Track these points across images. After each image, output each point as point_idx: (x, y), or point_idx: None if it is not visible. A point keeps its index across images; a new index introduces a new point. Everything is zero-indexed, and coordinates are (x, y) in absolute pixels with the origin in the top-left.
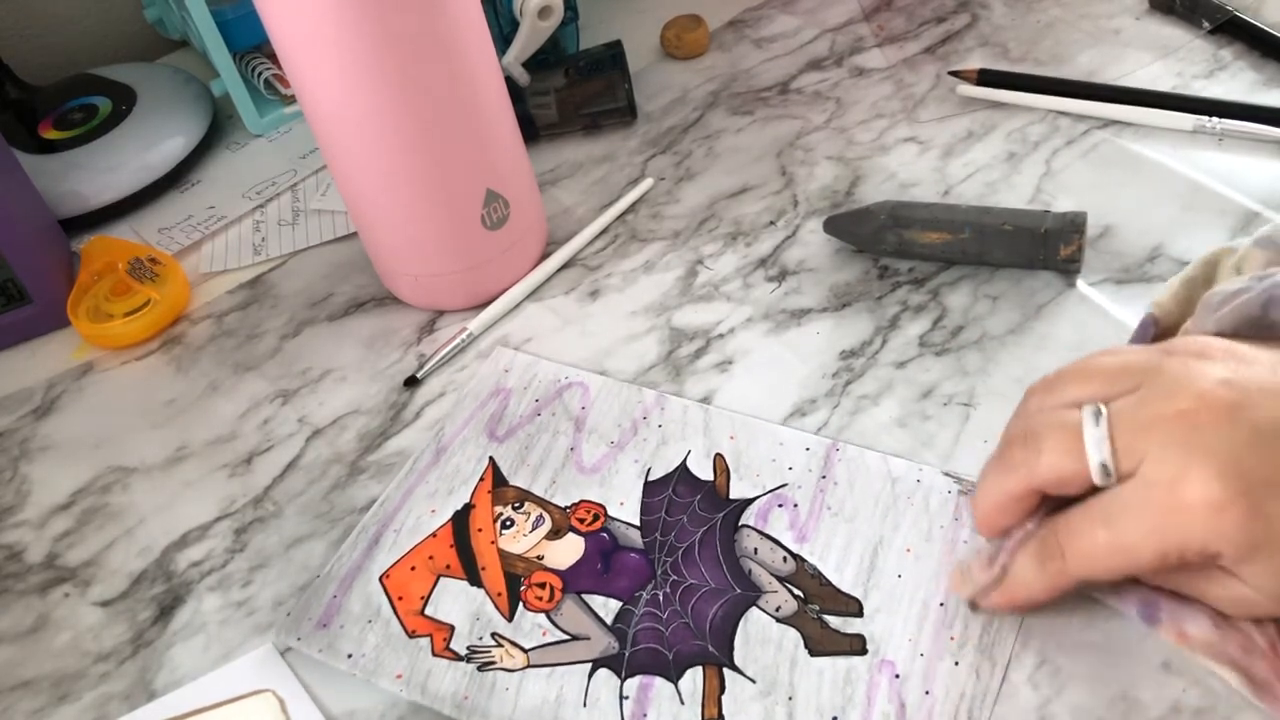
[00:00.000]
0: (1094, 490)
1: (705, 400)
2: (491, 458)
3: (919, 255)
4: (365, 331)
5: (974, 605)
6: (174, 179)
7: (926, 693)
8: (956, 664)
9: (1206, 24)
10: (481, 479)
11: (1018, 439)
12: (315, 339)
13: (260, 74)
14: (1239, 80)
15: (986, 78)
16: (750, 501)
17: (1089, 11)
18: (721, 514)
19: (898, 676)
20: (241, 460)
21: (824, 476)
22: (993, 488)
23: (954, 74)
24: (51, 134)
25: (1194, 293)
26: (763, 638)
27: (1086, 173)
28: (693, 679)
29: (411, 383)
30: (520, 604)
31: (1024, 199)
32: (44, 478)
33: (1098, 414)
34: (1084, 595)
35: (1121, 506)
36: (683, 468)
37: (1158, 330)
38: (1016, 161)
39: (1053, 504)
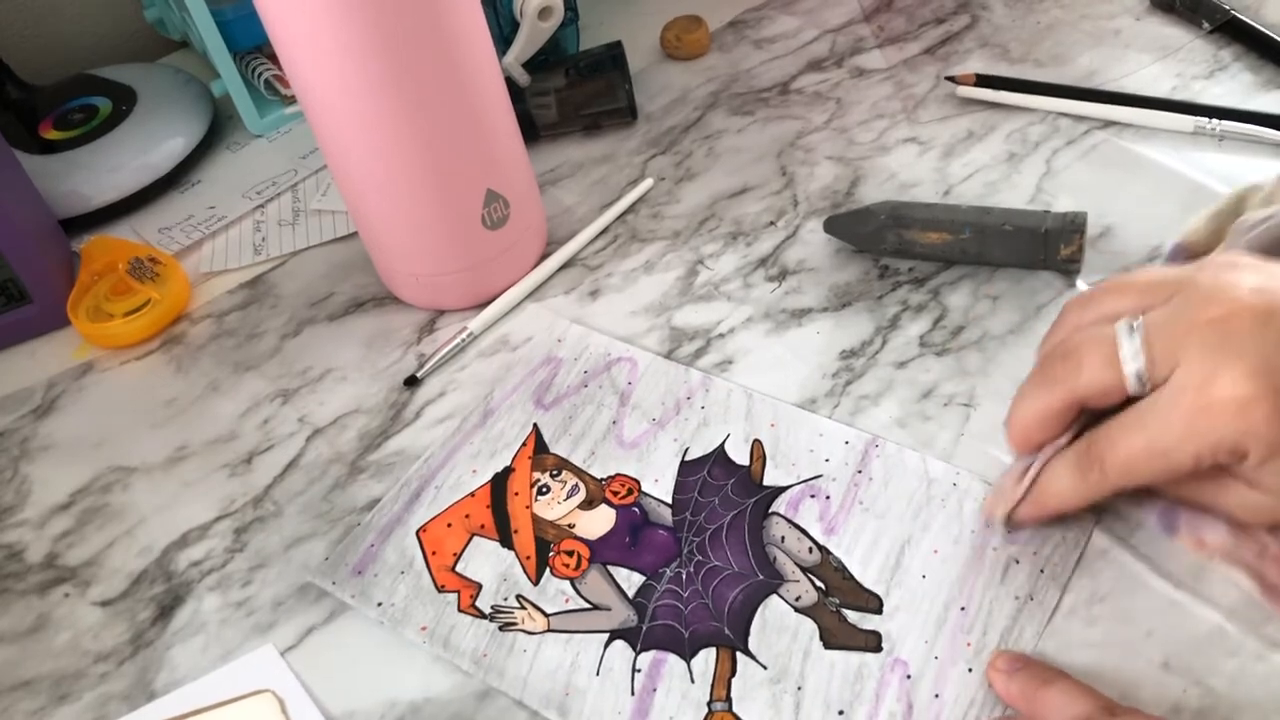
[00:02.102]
0: (1131, 401)
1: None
2: (535, 424)
3: (919, 255)
4: (365, 331)
5: (1008, 521)
6: (174, 179)
7: (936, 696)
8: (970, 670)
9: (1206, 24)
10: (524, 444)
11: (1058, 354)
12: (315, 339)
13: (260, 74)
14: (1239, 81)
15: (984, 83)
16: (783, 490)
17: (1089, 12)
18: (753, 500)
19: (909, 677)
20: (241, 460)
21: (860, 471)
22: (1034, 402)
23: (950, 79)
24: (52, 134)
25: (1223, 224)
26: (779, 625)
27: (1087, 173)
28: (705, 659)
29: (412, 382)
30: (547, 569)
31: (1024, 199)
32: (44, 477)
33: (1132, 327)
34: (1084, 594)
35: (1156, 411)
36: (720, 450)
37: (1187, 258)
38: (1017, 162)
39: (1087, 419)
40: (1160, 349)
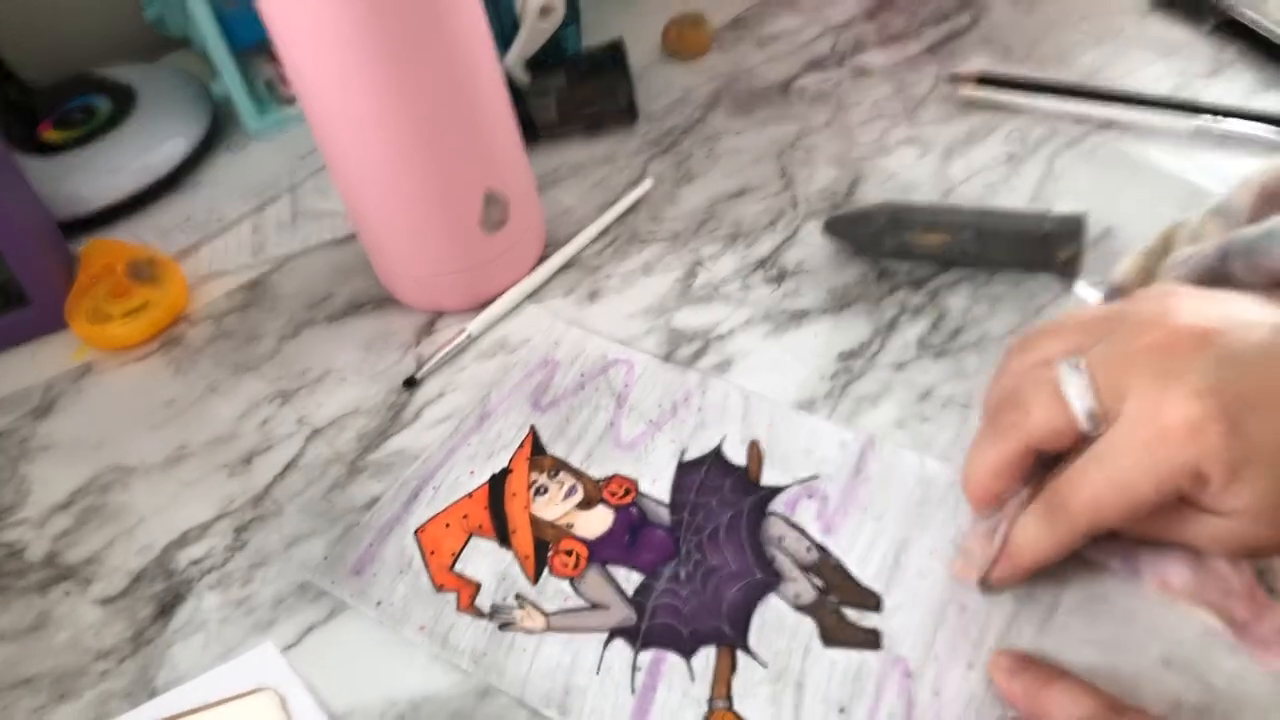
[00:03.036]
0: (1086, 441)
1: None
2: (533, 426)
3: (918, 257)
4: (364, 332)
5: (984, 584)
6: (174, 180)
7: (936, 694)
8: (970, 668)
9: (1209, 22)
10: (521, 446)
11: (1005, 404)
12: (314, 340)
13: (260, 74)
14: (1240, 80)
15: (987, 82)
16: (781, 490)
17: (1091, 11)
18: (750, 499)
19: (909, 675)
20: (241, 460)
21: (858, 471)
22: (987, 455)
23: (954, 77)
24: (51, 135)
25: (1152, 263)
26: (779, 624)
27: (1087, 174)
28: (705, 657)
29: (411, 384)
30: (546, 569)
31: (1024, 201)
32: (44, 477)
33: (1076, 365)
34: (1083, 593)
35: (1113, 447)
36: (718, 451)
37: (1121, 298)
38: (1017, 163)
39: (1042, 470)
40: (1106, 382)
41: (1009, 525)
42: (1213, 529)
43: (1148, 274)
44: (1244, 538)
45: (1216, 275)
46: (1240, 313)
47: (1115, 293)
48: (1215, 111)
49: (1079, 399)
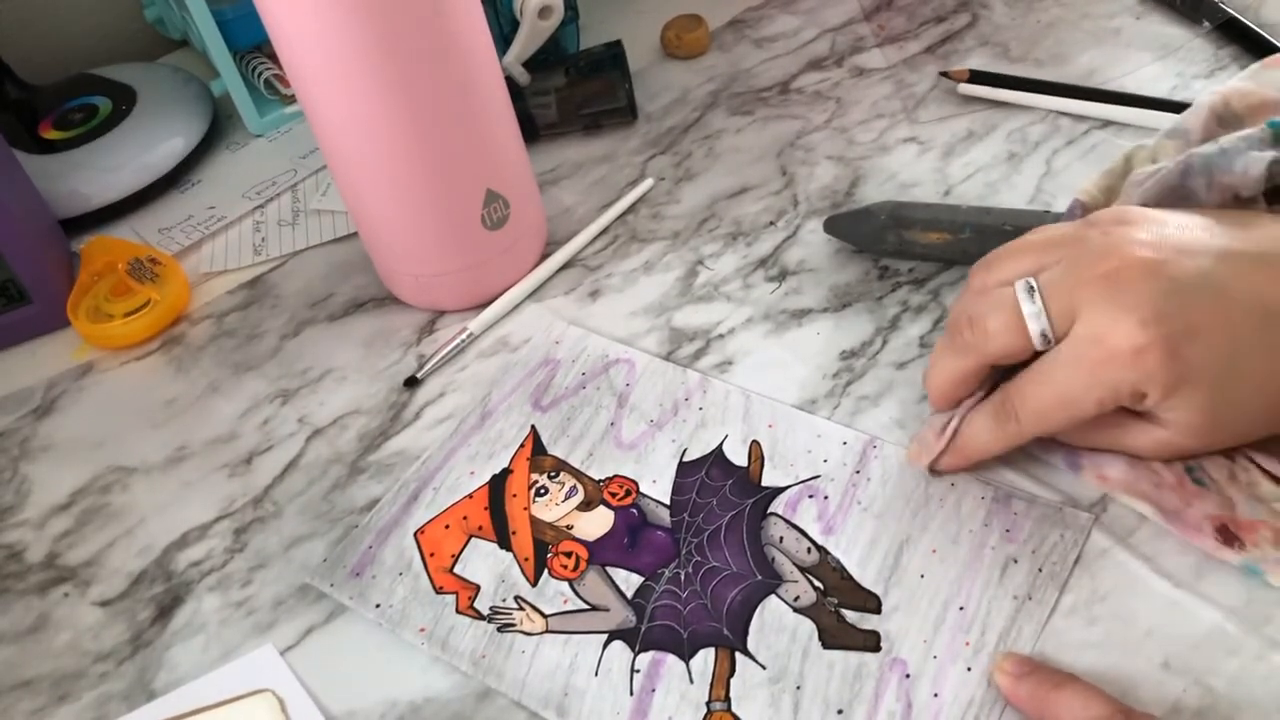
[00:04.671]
0: (1038, 355)
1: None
2: (533, 426)
3: (919, 255)
4: (365, 331)
5: (933, 469)
6: (174, 179)
7: (935, 695)
8: (969, 669)
9: (1207, 23)
10: (522, 446)
11: (965, 322)
12: (315, 339)
13: (260, 74)
14: None
15: (978, 79)
16: (781, 490)
17: (1089, 11)
18: (751, 500)
19: (908, 676)
20: (241, 460)
21: (858, 471)
22: (947, 367)
23: (944, 75)
24: (51, 134)
25: (1114, 181)
26: (778, 626)
27: (1087, 173)
28: (704, 659)
29: (412, 383)
30: (545, 570)
31: (1024, 199)
32: (44, 478)
33: (1031, 289)
34: (1083, 593)
35: (1061, 364)
36: (718, 452)
37: (1083, 213)
38: (1017, 162)
39: (998, 373)
40: (1058, 306)
41: (959, 421)
42: (1146, 438)
43: (1111, 192)
44: (1176, 445)
45: (1178, 192)
46: (1188, 241)
47: (1078, 206)
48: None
49: (1034, 320)
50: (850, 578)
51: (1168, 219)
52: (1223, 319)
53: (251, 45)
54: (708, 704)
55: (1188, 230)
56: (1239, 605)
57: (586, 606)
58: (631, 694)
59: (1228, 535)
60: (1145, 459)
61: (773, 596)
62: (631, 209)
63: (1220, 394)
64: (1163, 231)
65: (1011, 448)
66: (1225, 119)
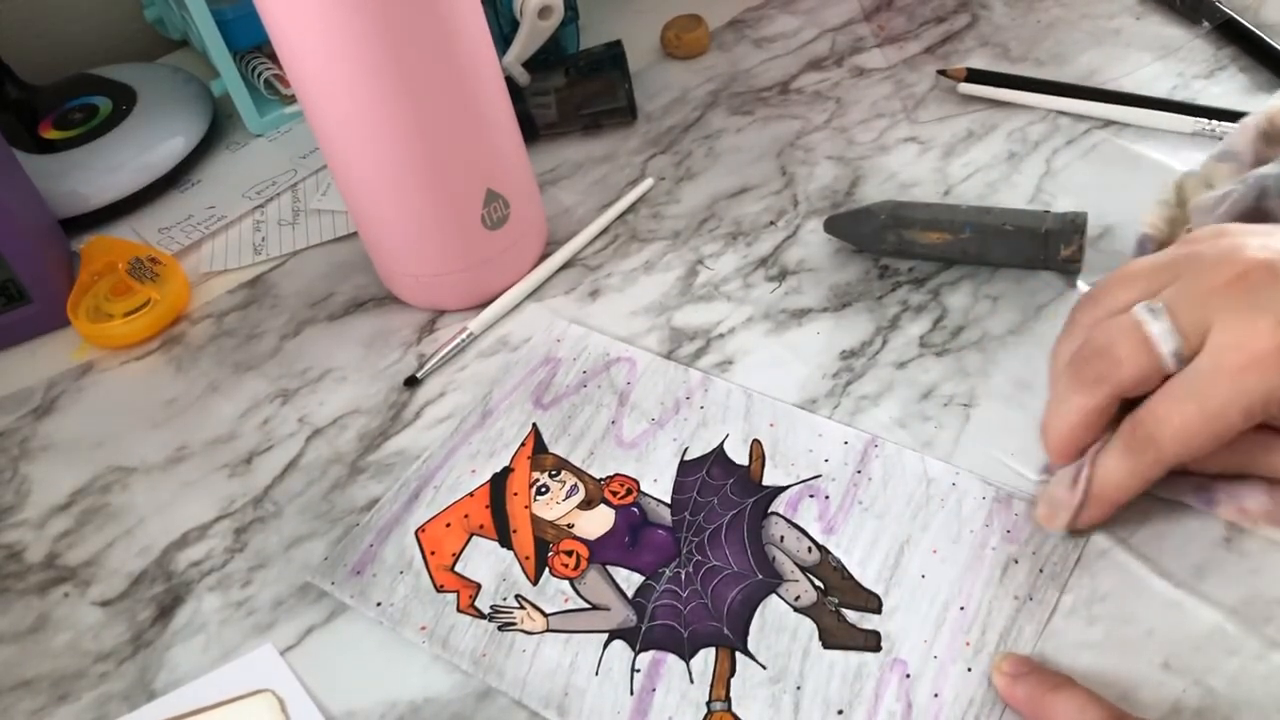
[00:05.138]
0: (1165, 380)
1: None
2: (535, 424)
3: (919, 255)
4: (365, 331)
5: (1073, 529)
6: (174, 179)
7: (935, 695)
8: (969, 670)
9: (1206, 24)
10: (523, 444)
11: (1087, 355)
12: (315, 339)
13: (260, 74)
14: (1239, 80)
15: (975, 78)
16: (782, 489)
17: (1089, 11)
18: (752, 499)
19: (908, 676)
20: (241, 460)
21: (859, 471)
22: (1075, 407)
23: (942, 74)
24: (51, 134)
25: (1174, 212)
26: (778, 625)
27: (1087, 173)
28: (705, 659)
29: (412, 382)
30: (546, 569)
31: (1024, 199)
32: (44, 478)
33: (1153, 310)
34: (1083, 594)
35: (1200, 376)
36: (719, 450)
37: (1155, 248)
38: (1017, 161)
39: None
40: (1187, 321)
41: (1091, 468)
42: None
43: (1175, 223)
44: None
45: (1255, 214)
46: None
47: (1148, 241)
48: (1213, 113)
49: (1164, 341)
50: (851, 577)
51: (1269, 229)
52: None
53: (251, 45)
54: (708, 704)
55: None
56: (1239, 605)
57: (587, 605)
58: (632, 693)
59: None
60: None
61: (773, 596)
62: (631, 209)
63: None
64: (1272, 238)
65: (1151, 482)
66: (1273, 138)
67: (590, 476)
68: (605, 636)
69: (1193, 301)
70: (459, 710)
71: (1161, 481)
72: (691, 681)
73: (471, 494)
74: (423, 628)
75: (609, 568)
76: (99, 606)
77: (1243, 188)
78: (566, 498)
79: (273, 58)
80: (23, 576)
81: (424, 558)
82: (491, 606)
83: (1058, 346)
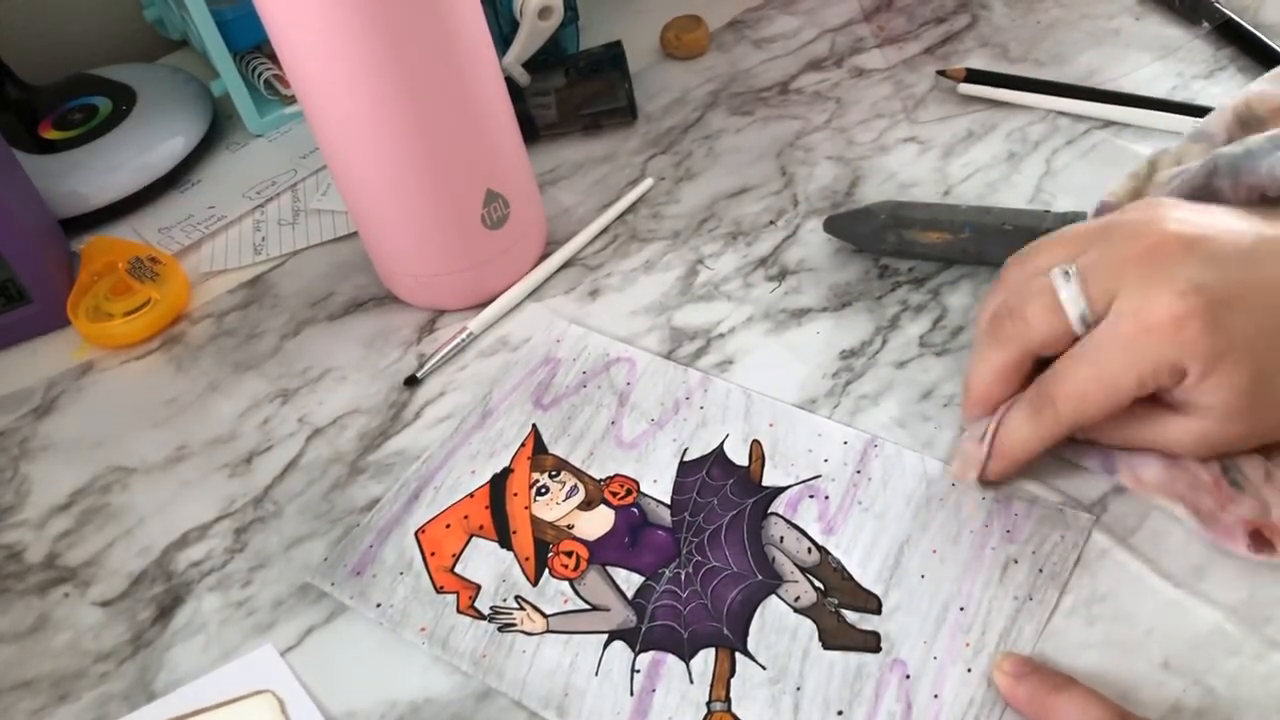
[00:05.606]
0: (1076, 343)
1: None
2: (534, 425)
3: (919, 255)
4: (365, 331)
5: (981, 480)
6: (174, 179)
7: (935, 696)
8: (969, 670)
9: (1206, 24)
10: (523, 445)
11: (1003, 314)
12: (315, 338)
13: (260, 74)
14: (1239, 81)
15: (974, 78)
16: (782, 490)
17: (1089, 12)
18: (752, 500)
19: (908, 677)
20: (241, 460)
21: (859, 471)
22: (989, 362)
23: (941, 74)
24: (51, 134)
25: (1140, 184)
26: (778, 626)
27: (1086, 172)
28: (705, 659)
29: (412, 382)
30: (546, 570)
31: (1024, 199)
32: (44, 477)
33: (1067, 273)
34: (1083, 594)
35: (1098, 342)
36: (719, 451)
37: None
38: (1016, 161)
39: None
40: (1096, 287)
41: (997, 424)
42: (1184, 429)
43: (1136, 194)
44: (1214, 436)
45: (1204, 192)
46: (1225, 222)
47: (1106, 208)
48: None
49: (1072, 305)
50: (851, 578)
51: (1200, 207)
52: (1262, 292)
53: (251, 45)
54: (708, 704)
55: (1223, 214)
56: (1239, 605)
57: (587, 606)
58: (632, 694)
59: (1260, 541)
60: (1182, 456)
61: (773, 597)
62: (631, 209)
63: (1260, 373)
64: (1200, 214)
65: (1053, 441)
66: (1247, 121)
67: (590, 477)
68: (605, 637)
69: (1105, 269)
70: (459, 711)
71: (1067, 445)
72: (691, 682)
73: (471, 495)
74: (422, 629)
75: (609, 568)
76: (99, 606)
77: (1197, 165)
78: (566, 498)
79: (273, 58)
80: (23, 576)
81: (424, 558)
82: (491, 607)
83: (984, 302)
